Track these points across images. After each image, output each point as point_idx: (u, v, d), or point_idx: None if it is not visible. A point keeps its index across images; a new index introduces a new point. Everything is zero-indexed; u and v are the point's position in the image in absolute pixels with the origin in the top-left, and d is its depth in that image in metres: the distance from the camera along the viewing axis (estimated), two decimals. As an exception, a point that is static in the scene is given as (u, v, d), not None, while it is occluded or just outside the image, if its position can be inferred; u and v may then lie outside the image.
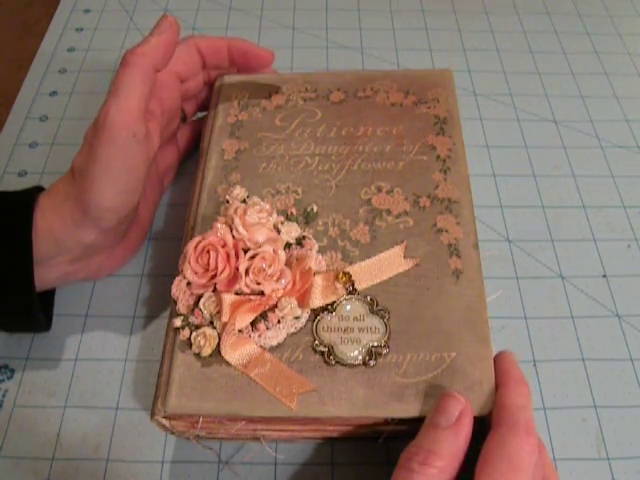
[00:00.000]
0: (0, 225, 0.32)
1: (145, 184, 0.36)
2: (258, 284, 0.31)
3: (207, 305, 0.32)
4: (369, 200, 0.36)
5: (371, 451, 0.34)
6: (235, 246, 0.32)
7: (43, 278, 0.34)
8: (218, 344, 0.31)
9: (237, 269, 0.32)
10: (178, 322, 0.32)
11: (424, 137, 0.39)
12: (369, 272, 0.33)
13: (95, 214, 0.33)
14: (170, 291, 0.33)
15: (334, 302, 0.32)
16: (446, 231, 0.35)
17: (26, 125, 0.49)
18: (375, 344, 0.31)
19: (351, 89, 0.42)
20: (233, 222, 0.33)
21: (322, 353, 0.31)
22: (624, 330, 0.38)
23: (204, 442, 0.33)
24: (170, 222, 0.43)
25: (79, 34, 0.57)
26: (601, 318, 0.39)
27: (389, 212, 0.36)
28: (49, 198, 0.33)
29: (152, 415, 0.30)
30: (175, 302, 0.33)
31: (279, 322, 0.31)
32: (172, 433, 0.32)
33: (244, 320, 0.31)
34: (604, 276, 0.41)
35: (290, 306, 0.31)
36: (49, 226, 0.33)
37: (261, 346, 0.31)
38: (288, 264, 0.33)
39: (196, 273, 0.32)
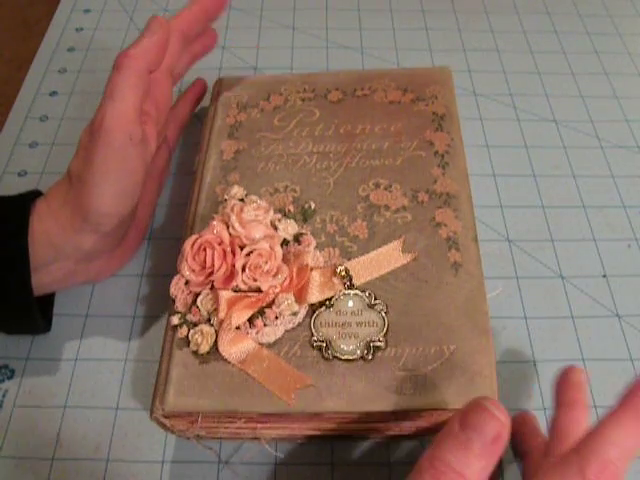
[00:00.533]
0: None
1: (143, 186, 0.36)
2: (255, 281, 0.32)
3: (204, 302, 0.32)
4: (367, 196, 0.36)
5: (371, 451, 0.34)
6: (232, 243, 0.32)
7: (42, 283, 0.33)
8: (216, 341, 0.31)
9: (234, 266, 0.32)
10: (175, 320, 0.32)
11: (422, 133, 0.39)
12: (367, 267, 0.33)
13: (94, 219, 0.32)
14: (170, 290, 0.33)
15: (332, 297, 0.32)
16: (445, 225, 0.35)
17: (26, 125, 0.49)
18: (373, 338, 0.31)
19: (349, 88, 0.42)
20: (230, 219, 0.33)
21: (320, 348, 0.31)
22: (624, 330, 0.38)
23: (204, 442, 0.33)
24: (169, 222, 0.43)
25: (79, 34, 0.57)
26: (601, 318, 0.39)
27: (387, 208, 0.36)
28: (46, 203, 0.33)
29: (151, 413, 0.30)
30: (173, 300, 0.33)
31: (276, 318, 0.31)
32: (172, 432, 0.32)
33: (241, 317, 0.31)
34: (604, 276, 0.41)
35: (287, 302, 0.31)
36: (47, 232, 0.32)
37: (259, 342, 0.31)
38: (286, 261, 0.33)
39: (193, 271, 0.32)
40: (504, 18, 0.58)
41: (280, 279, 0.32)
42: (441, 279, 0.33)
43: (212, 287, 0.32)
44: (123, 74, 0.32)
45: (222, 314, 0.31)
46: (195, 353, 0.31)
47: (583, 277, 0.40)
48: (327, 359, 0.31)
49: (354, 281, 0.33)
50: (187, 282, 0.33)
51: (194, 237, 0.33)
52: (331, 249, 0.34)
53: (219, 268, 0.32)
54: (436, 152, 0.38)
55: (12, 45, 0.57)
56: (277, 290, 0.32)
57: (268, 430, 0.32)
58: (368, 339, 0.31)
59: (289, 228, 0.34)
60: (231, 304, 0.31)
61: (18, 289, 0.32)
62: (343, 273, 0.32)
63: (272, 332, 0.31)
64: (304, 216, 0.36)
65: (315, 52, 0.54)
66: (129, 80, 0.32)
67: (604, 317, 0.39)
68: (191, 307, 0.32)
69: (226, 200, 0.35)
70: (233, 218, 0.33)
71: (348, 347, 0.31)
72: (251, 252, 0.32)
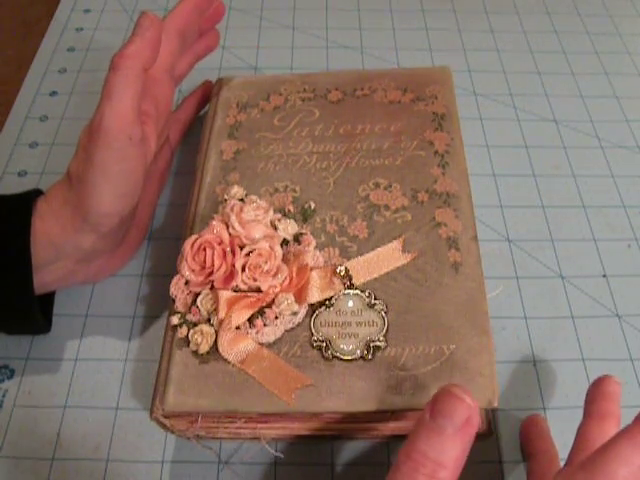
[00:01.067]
0: None
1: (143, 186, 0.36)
2: (255, 280, 0.32)
3: (204, 302, 0.32)
4: (367, 196, 0.36)
5: (371, 451, 0.34)
6: (231, 243, 0.32)
7: (42, 282, 0.33)
8: (216, 341, 0.31)
9: (234, 266, 0.32)
10: (175, 320, 0.32)
11: (422, 133, 0.39)
12: (367, 267, 0.33)
13: (94, 219, 0.32)
14: (169, 290, 0.33)
15: (332, 297, 0.32)
16: (445, 225, 0.35)
17: (26, 125, 0.49)
18: (373, 338, 0.31)
19: (349, 88, 0.42)
20: (229, 219, 0.33)
21: (320, 348, 0.31)
22: (624, 330, 0.38)
23: (204, 442, 0.33)
24: (170, 222, 0.43)
25: (79, 34, 0.57)
26: (601, 318, 0.39)
27: (387, 207, 0.36)
28: (47, 203, 0.33)
29: (151, 413, 0.30)
30: (173, 300, 0.33)
31: (276, 318, 0.31)
32: (172, 432, 0.32)
33: (241, 317, 0.31)
34: (604, 276, 0.41)
35: (287, 302, 0.31)
36: (48, 232, 0.32)
37: (259, 342, 0.31)
38: (285, 261, 0.33)
39: (193, 271, 0.32)
40: (504, 18, 0.58)
41: (280, 279, 0.32)
42: (441, 279, 0.33)
43: (212, 287, 0.32)
44: (119, 74, 0.31)
45: (222, 314, 0.31)
46: (195, 353, 0.31)
47: (583, 277, 0.40)
48: (327, 359, 0.31)
49: (354, 281, 0.33)
50: (187, 282, 0.33)
51: (194, 237, 0.33)
52: (331, 249, 0.34)
53: (219, 268, 0.32)
54: (436, 152, 0.38)
55: (12, 45, 0.57)
56: (277, 290, 0.32)
57: (268, 430, 0.32)
58: (368, 339, 0.31)
59: (289, 228, 0.34)
60: (231, 304, 0.31)
61: (19, 288, 0.32)
62: (343, 273, 0.32)
63: (272, 332, 0.31)
64: (304, 216, 0.36)
65: (315, 52, 0.54)
66: (126, 80, 0.31)
67: (604, 317, 0.39)
68: (191, 307, 0.32)
69: (226, 200, 0.35)
70: (233, 218, 0.33)
71: (348, 347, 0.31)
72: (251, 252, 0.32)
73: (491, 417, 0.32)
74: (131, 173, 0.33)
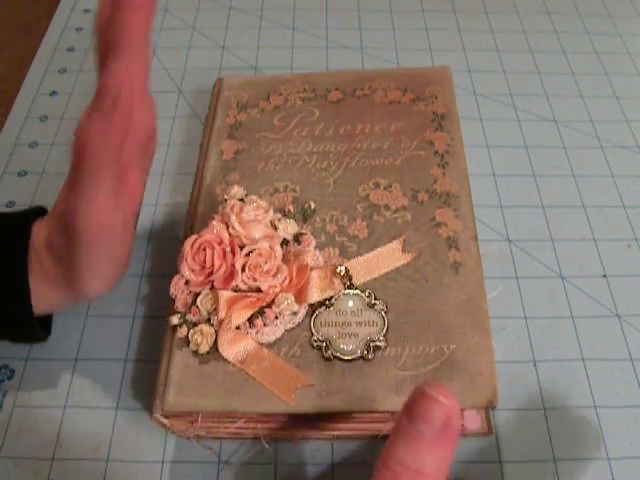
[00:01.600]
0: None
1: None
2: (255, 280, 0.32)
3: (204, 302, 0.32)
4: (367, 196, 0.36)
5: (371, 451, 0.34)
6: (231, 243, 0.32)
7: (38, 311, 0.32)
8: (216, 341, 0.31)
9: (234, 266, 0.32)
10: (175, 320, 0.32)
11: (422, 133, 0.39)
12: (367, 266, 0.33)
13: (87, 296, 0.32)
14: (170, 290, 0.33)
15: (332, 297, 0.32)
16: (445, 225, 0.35)
17: (26, 125, 0.49)
18: (373, 338, 0.31)
19: (349, 88, 0.42)
20: (229, 219, 0.33)
21: (320, 348, 0.31)
22: (624, 330, 0.38)
23: (204, 442, 0.33)
24: (170, 222, 0.43)
25: (79, 34, 0.57)
26: (601, 318, 0.39)
27: (387, 207, 0.36)
28: (38, 263, 0.30)
29: (151, 413, 0.30)
30: (173, 300, 0.33)
31: (276, 318, 0.31)
32: (172, 432, 0.32)
33: (241, 316, 0.31)
34: (604, 276, 0.41)
35: (287, 302, 0.31)
36: (41, 293, 0.31)
37: (259, 342, 0.31)
38: (285, 260, 0.33)
39: (193, 271, 0.32)
40: (504, 18, 0.58)
41: (280, 279, 0.32)
42: (441, 279, 0.33)
43: (212, 287, 0.32)
44: (86, 161, 0.26)
45: (222, 314, 0.31)
46: (195, 353, 0.31)
47: (583, 277, 0.40)
48: (327, 359, 0.31)
49: (354, 281, 0.33)
50: (187, 282, 0.33)
51: (194, 237, 0.33)
52: (331, 249, 0.34)
53: (219, 268, 0.32)
54: (436, 152, 0.38)
55: (12, 45, 0.57)
56: (277, 290, 0.32)
57: (268, 430, 0.32)
58: (368, 339, 0.31)
59: (289, 228, 0.34)
60: (231, 304, 0.31)
61: (17, 312, 0.32)
62: (343, 273, 0.32)
63: (272, 332, 0.31)
64: (304, 216, 0.36)
65: (315, 52, 0.54)
66: (96, 166, 0.26)
67: (604, 317, 0.39)
68: (191, 307, 0.32)
69: (226, 200, 0.35)
70: (233, 218, 0.33)
71: (348, 347, 0.31)
72: (251, 252, 0.32)
73: (491, 417, 0.32)
74: (118, 256, 0.31)
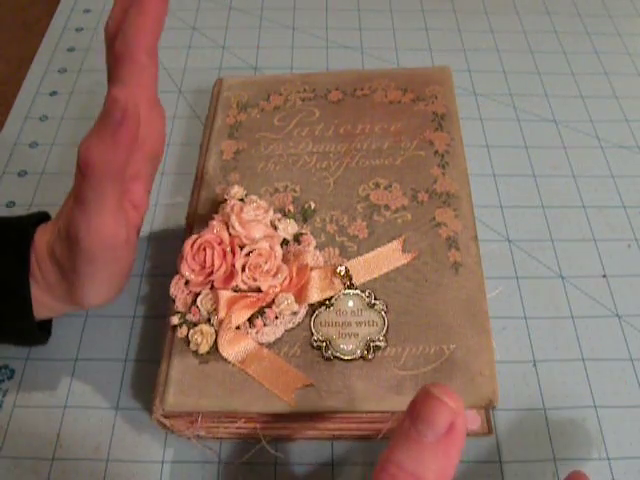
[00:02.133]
0: None
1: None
2: (255, 280, 0.32)
3: (204, 302, 0.32)
4: (367, 196, 0.36)
5: (371, 451, 0.34)
6: (231, 243, 0.32)
7: (39, 317, 0.33)
8: (216, 341, 0.31)
9: (234, 266, 0.32)
10: (175, 320, 0.32)
11: (422, 133, 0.39)
12: (367, 266, 0.33)
13: (89, 306, 0.32)
14: (170, 290, 0.33)
15: (332, 297, 0.32)
16: (445, 225, 0.35)
17: (26, 125, 0.49)
18: (373, 338, 0.31)
19: (349, 88, 0.42)
20: (229, 219, 0.33)
21: (320, 348, 0.31)
22: (624, 330, 0.38)
23: (204, 442, 0.33)
24: (170, 222, 0.43)
25: (79, 34, 0.57)
26: (601, 318, 0.39)
27: (387, 207, 0.36)
28: (40, 271, 0.30)
29: (151, 413, 0.30)
30: (173, 300, 0.33)
31: (276, 318, 0.31)
32: (172, 432, 0.32)
33: (241, 316, 0.31)
34: (604, 276, 0.41)
35: (287, 302, 0.31)
36: (43, 302, 0.31)
37: (259, 342, 0.31)
38: (286, 260, 0.33)
39: (193, 271, 0.32)
40: (504, 18, 0.58)
41: (280, 279, 0.32)
42: (441, 279, 0.33)
43: (212, 287, 0.32)
44: (92, 181, 0.26)
45: (222, 314, 0.31)
46: (195, 353, 0.31)
47: (583, 277, 0.40)
48: (327, 359, 0.31)
49: (354, 281, 0.33)
50: (187, 282, 0.33)
51: (194, 237, 0.33)
52: (331, 249, 0.34)
53: (219, 268, 0.32)
54: (436, 152, 0.38)
55: (12, 45, 0.57)
56: (277, 290, 0.32)
57: (268, 430, 0.32)
58: (368, 339, 0.31)
59: (289, 228, 0.34)
60: (231, 304, 0.31)
61: (18, 318, 0.32)
62: (343, 273, 0.32)
63: (272, 332, 0.31)
64: (304, 216, 0.36)
65: (315, 52, 0.54)
66: (101, 186, 0.26)
67: (604, 317, 0.39)
68: (191, 307, 0.32)
69: (226, 200, 0.35)
70: (233, 218, 0.33)
71: (348, 347, 0.31)
72: (251, 252, 0.32)
73: (491, 417, 0.32)
74: (122, 269, 0.31)
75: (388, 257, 0.34)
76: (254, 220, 0.33)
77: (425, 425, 0.21)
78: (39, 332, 0.34)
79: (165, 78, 0.51)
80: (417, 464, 0.20)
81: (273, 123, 0.41)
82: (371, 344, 0.31)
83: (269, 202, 0.36)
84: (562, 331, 0.38)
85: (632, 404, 0.35)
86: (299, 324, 0.32)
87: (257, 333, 0.31)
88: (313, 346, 0.31)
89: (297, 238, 0.34)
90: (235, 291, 0.32)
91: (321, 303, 0.32)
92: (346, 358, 0.31)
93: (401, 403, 0.29)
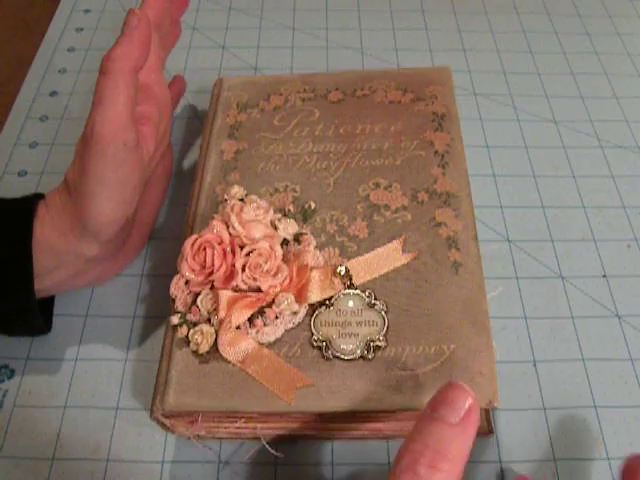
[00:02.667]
0: (0, 236, 0.32)
1: (144, 189, 0.36)
2: (255, 280, 0.32)
3: (204, 302, 0.32)
4: (367, 196, 0.36)
5: (371, 451, 0.34)
6: (232, 243, 0.32)
7: (43, 287, 0.33)
8: (216, 341, 0.31)
9: (234, 266, 0.32)
10: (175, 319, 0.32)
11: (422, 133, 0.39)
12: (367, 266, 0.33)
13: (94, 228, 0.32)
14: (170, 290, 0.33)
15: (332, 297, 0.32)
16: (445, 224, 0.35)
17: (26, 125, 0.49)
18: (373, 338, 0.31)
19: (349, 88, 0.42)
20: (229, 219, 0.33)
21: (320, 348, 0.31)
22: (624, 330, 0.38)
23: (204, 442, 0.33)
24: (170, 222, 0.43)
25: (79, 34, 0.57)
26: (601, 318, 0.39)
27: (387, 207, 0.36)
28: (46, 209, 0.33)
29: (151, 413, 0.30)
30: (173, 300, 0.33)
31: (276, 318, 0.31)
32: (172, 432, 0.32)
33: (241, 316, 0.31)
34: (604, 276, 0.41)
35: (287, 302, 0.31)
36: (48, 239, 0.32)
37: (259, 342, 0.31)
38: (286, 260, 0.33)
39: (193, 271, 0.32)
40: (504, 18, 0.58)
41: (280, 279, 0.32)
42: (441, 279, 0.33)
43: (212, 287, 0.32)
44: (109, 78, 0.30)
45: (222, 314, 0.31)
46: (195, 353, 0.31)
47: (583, 277, 0.40)
48: (327, 359, 0.31)
49: (354, 281, 0.33)
50: (187, 282, 0.33)
51: (194, 237, 0.33)
52: (331, 249, 0.34)
53: (219, 268, 0.32)
54: (436, 152, 0.38)
55: (12, 45, 0.57)
56: (277, 290, 0.32)
57: (268, 430, 0.32)
58: (368, 339, 0.31)
59: (289, 228, 0.34)
60: (231, 304, 0.31)
61: (20, 293, 0.32)
62: (343, 273, 0.32)
63: (272, 332, 0.31)
64: (304, 216, 0.36)
65: (315, 52, 0.54)
66: (116, 84, 0.30)
67: (604, 317, 0.39)
68: (191, 307, 0.32)
69: (226, 200, 0.35)
70: (233, 218, 0.33)
71: (348, 347, 0.31)
72: (251, 252, 0.32)
73: (491, 417, 0.32)
74: (128, 179, 0.32)
75: (388, 257, 0.34)
76: (254, 220, 0.33)
77: (448, 407, 0.23)
78: (39, 314, 0.34)
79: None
80: (439, 442, 0.23)
81: (273, 123, 0.41)
82: (371, 344, 0.31)
83: (269, 202, 0.36)
84: (562, 331, 0.38)
85: (632, 404, 0.35)
86: (299, 324, 0.32)
87: (257, 333, 0.31)
88: (313, 346, 0.31)
89: (297, 238, 0.34)
90: (235, 291, 0.32)
91: (321, 303, 0.32)
92: (346, 358, 0.31)
93: (401, 403, 0.29)
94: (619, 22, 0.57)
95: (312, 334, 0.31)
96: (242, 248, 0.32)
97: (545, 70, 0.53)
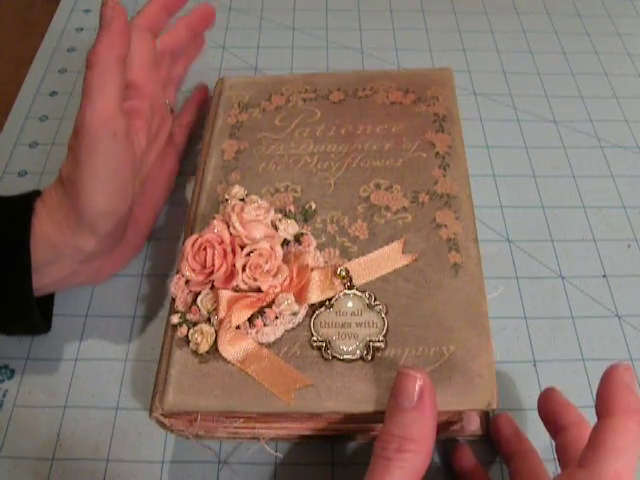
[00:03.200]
0: None
1: (144, 189, 0.36)
2: (255, 280, 0.32)
3: (204, 302, 0.32)
4: (368, 197, 0.36)
5: (370, 451, 0.34)
6: (232, 243, 0.32)
7: (41, 284, 0.33)
8: (215, 341, 0.31)
9: (234, 266, 0.32)
10: (175, 319, 0.32)
11: (423, 134, 0.39)
12: (367, 267, 0.33)
13: (90, 220, 0.32)
14: (170, 290, 0.33)
15: (332, 297, 0.32)
16: (445, 226, 0.35)
17: (26, 125, 0.49)
18: (373, 339, 0.31)
19: (351, 89, 0.42)
20: (230, 219, 0.33)
21: (319, 348, 0.31)
22: (624, 330, 0.38)
23: (203, 441, 0.33)
24: (170, 222, 0.43)
25: (79, 34, 0.57)
26: (601, 318, 0.39)
27: (388, 208, 0.36)
28: (43, 205, 0.33)
29: (150, 413, 0.30)
30: (173, 300, 0.33)
31: (276, 318, 0.31)
32: (171, 431, 0.32)
33: (241, 316, 0.31)
34: (604, 276, 0.41)
35: (287, 302, 0.31)
36: (46, 233, 0.32)
37: (258, 342, 0.31)
38: (286, 261, 0.33)
39: (193, 270, 0.32)
40: (504, 18, 0.58)
41: (280, 279, 0.32)
42: (441, 280, 0.33)
43: (212, 287, 0.32)
44: (95, 70, 0.31)
45: (222, 313, 0.31)
46: (195, 352, 0.31)
47: (583, 277, 0.40)
48: (327, 359, 0.31)
49: (354, 281, 0.33)
50: (187, 281, 0.33)
51: (195, 237, 0.33)
52: (331, 249, 0.34)
53: (219, 268, 0.32)
54: (437, 153, 0.38)
55: (12, 45, 0.57)
56: (277, 290, 0.32)
57: (267, 430, 0.32)
58: (368, 339, 0.31)
59: (289, 228, 0.34)
60: (231, 304, 0.31)
61: (18, 290, 0.32)
62: (343, 273, 0.32)
63: (272, 332, 0.31)
64: (305, 216, 0.36)
65: (315, 52, 0.54)
66: (103, 75, 0.31)
67: (604, 317, 0.39)
68: (191, 306, 0.32)
69: (227, 200, 0.35)
70: (234, 218, 0.33)
71: (348, 347, 0.31)
72: (251, 252, 0.32)
73: (491, 418, 0.32)
74: (120, 170, 0.33)
75: (388, 258, 0.34)
76: (255, 220, 0.33)
77: (402, 395, 0.26)
78: (37, 313, 0.33)
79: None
80: (402, 428, 0.25)
81: (274, 123, 0.41)
82: (371, 345, 0.31)
83: (270, 202, 0.36)
84: (562, 331, 0.38)
85: (632, 404, 0.35)
86: (299, 324, 0.32)
87: (257, 333, 0.31)
88: (313, 346, 0.31)
89: (298, 238, 0.34)
90: (235, 291, 0.32)
91: (321, 303, 0.32)
92: (346, 359, 0.31)
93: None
94: (619, 22, 0.57)
95: (312, 335, 0.31)
96: (242, 248, 0.32)
97: (545, 70, 0.53)
